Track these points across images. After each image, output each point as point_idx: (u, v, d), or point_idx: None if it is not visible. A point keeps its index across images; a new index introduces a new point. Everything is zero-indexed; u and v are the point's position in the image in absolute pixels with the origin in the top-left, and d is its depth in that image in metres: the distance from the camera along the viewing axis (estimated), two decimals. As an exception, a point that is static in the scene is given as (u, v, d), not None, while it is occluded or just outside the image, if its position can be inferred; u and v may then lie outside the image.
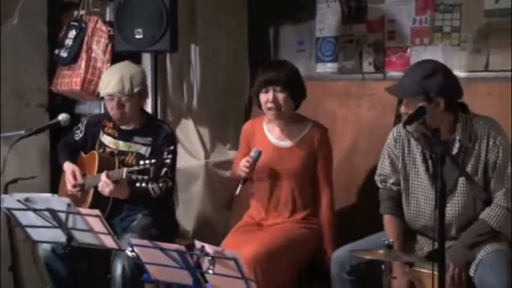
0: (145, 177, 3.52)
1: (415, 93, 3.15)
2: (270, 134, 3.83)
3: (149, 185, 3.63)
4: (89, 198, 3.84)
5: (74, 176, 3.87)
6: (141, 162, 3.55)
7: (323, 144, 3.74)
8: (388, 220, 3.44)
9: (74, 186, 3.86)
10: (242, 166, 3.65)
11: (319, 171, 3.75)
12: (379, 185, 3.52)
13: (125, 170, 3.59)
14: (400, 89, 3.26)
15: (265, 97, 3.69)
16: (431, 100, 3.14)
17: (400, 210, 3.44)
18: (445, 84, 3.17)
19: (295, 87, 3.71)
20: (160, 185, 3.75)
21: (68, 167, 3.92)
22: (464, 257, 3.15)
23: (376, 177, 3.54)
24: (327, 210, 3.75)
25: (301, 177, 3.74)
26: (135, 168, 3.55)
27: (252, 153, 3.68)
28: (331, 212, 3.76)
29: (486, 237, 3.16)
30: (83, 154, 4.03)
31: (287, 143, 3.77)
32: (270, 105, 3.67)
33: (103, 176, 3.65)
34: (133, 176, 3.53)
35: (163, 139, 3.87)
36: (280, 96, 3.66)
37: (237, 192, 3.64)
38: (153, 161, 3.53)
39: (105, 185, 3.63)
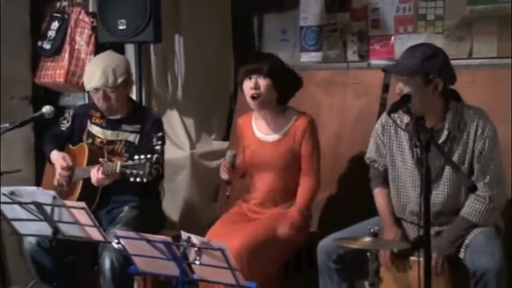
0: (140, 172, 3.47)
1: (415, 72, 3.14)
2: (256, 129, 3.82)
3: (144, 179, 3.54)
4: (77, 191, 3.81)
5: (64, 159, 3.83)
6: (136, 157, 3.49)
7: (306, 137, 3.68)
8: (378, 192, 3.49)
9: (64, 168, 3.80)
10: (221, 170, 3.66)
11: (302, 164, 3.71)
12: (369, 164, 3.55)
13: (118, 164, 3.56)
14: (400, 68, 3.23)
15: (248, 84, 3.67)
16: (429, 81, 3.14)
17: (388, 185, 3.47)
18: (445, 66, 3.18)
19: (278, 75, 3.67)
20: (152, 171, 3.71)
21: (57, 154, 3.87)
22: (447, 250, 3.17)
23: (365, 157, 3.56)
24: (301, 199, 3.67)
25: (286, 172, 3.71)
26: (130, 163, 3.50)
27: (226, 157, 3.66)
28: (305, 200, 3.67)
29: (470, 230, 3.18)
30: (70, 146, 3.99)
31: (271, 137, 3.75)
32: (252, 91, 3.65)
33: (99, 173, 3.61)
34: (128, 171, 3.49)
35: (151, 125, 3.85)
36: (262, 82, 3.65)
37: (227, 193, 3.65)
38: (148, 156, 3.47)
39: (101, 180, 3.63)
